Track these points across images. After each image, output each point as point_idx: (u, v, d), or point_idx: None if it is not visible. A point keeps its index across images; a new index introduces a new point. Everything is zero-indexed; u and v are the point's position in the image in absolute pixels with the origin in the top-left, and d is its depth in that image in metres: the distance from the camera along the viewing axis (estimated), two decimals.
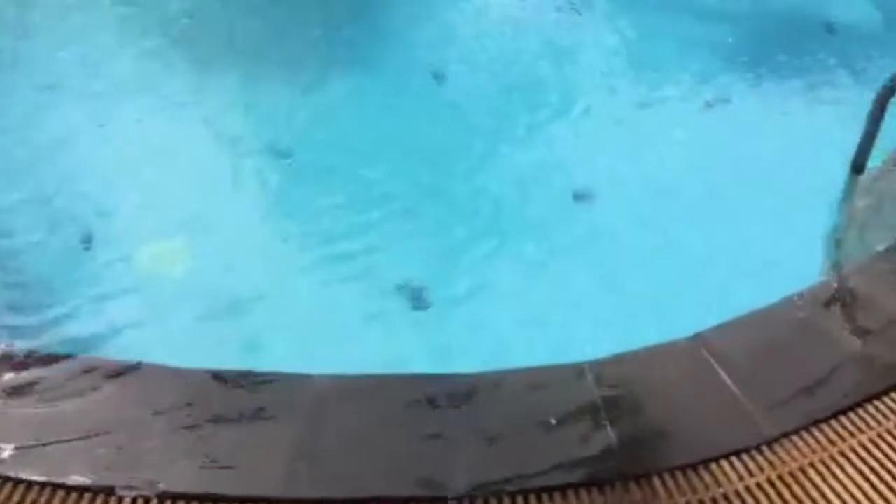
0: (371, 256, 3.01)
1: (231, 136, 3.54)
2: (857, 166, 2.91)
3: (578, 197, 3.31)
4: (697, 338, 2.28)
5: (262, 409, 2.12)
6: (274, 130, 3.60)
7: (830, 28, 4.43)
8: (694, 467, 1.97)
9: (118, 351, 2.45)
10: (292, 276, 2.94)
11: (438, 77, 3.96)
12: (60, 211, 3.13)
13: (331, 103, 3.78)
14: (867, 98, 2.96)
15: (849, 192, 2.94)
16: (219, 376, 2.22)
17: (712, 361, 2.21)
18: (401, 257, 3.03)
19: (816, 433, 2.05)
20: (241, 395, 2.18)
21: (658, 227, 3.05)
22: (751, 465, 2.00)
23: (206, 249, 2.98)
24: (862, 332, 2.31)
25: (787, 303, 2.40)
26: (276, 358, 2.50)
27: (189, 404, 2.12)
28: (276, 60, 4.05)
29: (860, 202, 2.90)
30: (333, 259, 3.00)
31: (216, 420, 2.09)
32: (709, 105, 3.81)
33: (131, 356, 2.33)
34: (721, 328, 2.32)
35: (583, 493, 1.93)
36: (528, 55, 4.27)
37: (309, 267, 2.97)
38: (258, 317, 2.74)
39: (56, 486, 1.92)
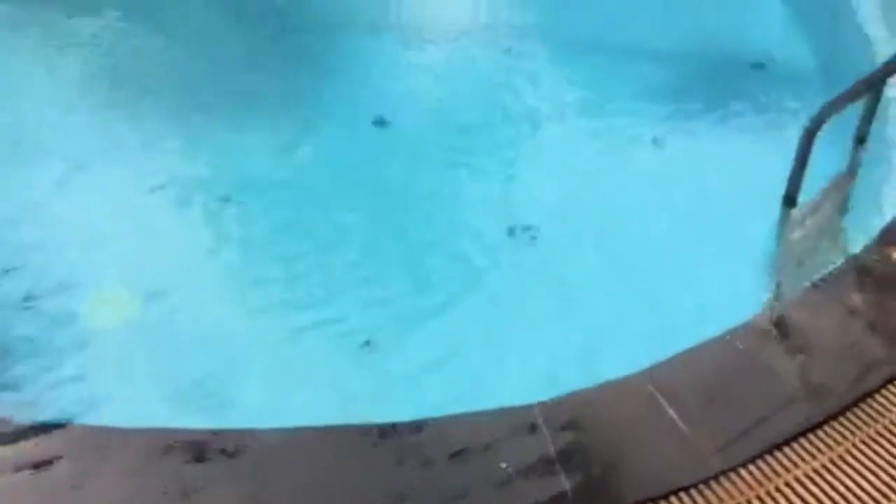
0: (319, 305, 2.99)
1: (179, 187, 3.50)
2: (789, 200, 2.99)
3: (521, 234, 3.34)
4: (644, 374, 2.30)
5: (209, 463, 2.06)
6: (220, 179, 3.57)
7: (759, 65, 4.59)
8: None
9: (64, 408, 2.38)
10: (240, 325, 2.90)
11: (380, 123, 3.98)
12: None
13: (274, 150, 3.77)
14: (796, 132, 3.07)
15: (783, 225, 3.01)
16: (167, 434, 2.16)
17: (659, 398, 2.23)
18: (347, 302, 3.02)
19: (762, 465, 2.08)
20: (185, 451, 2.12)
21: (600, 264, 3.09)
22: (699, 500, 2.01)
23: (155, 303, 2.93)
24: (802, 363, 2.35)
25: (729, 336, 2.44)
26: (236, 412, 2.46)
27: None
28: (222, 110, 4.03)
29: (794, 235, 2.98)
30: (284, 308, 2.97)
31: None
32: (653, 143, 3.90)
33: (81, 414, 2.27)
34: (666, 364, 2.35)
35: None
36: (470, 98, 4.33)
37: (253, 315, 2.94)
38: (214, 370, 2.70)
39: None
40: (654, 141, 3.91)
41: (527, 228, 3.36)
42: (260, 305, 2.98)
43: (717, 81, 4.49)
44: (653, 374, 2.31)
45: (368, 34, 4.80)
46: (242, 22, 4.79)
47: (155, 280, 3.00)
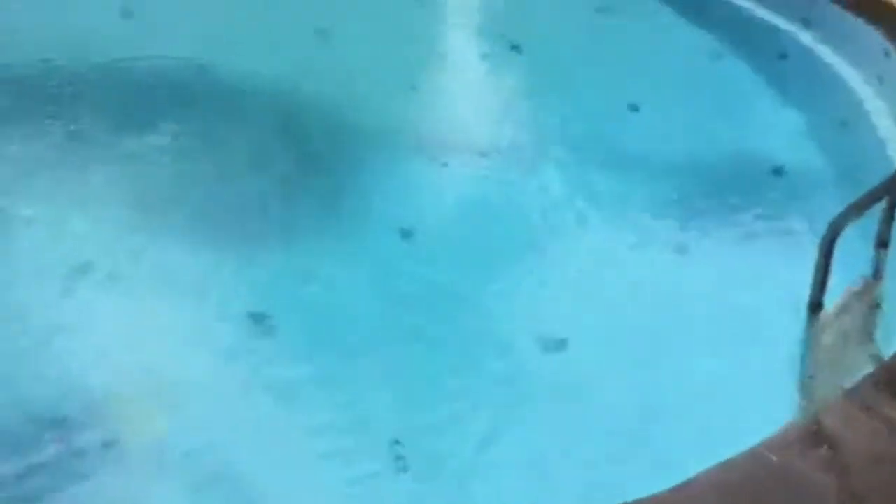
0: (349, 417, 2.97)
1: (202, 301, 3.56)
2: (814, 306, 2.96)
3: (549, 347, 3.33)
4: (674, 490, 2.23)
5: None
6: (244, 295, 3.62)
7: (778, 171, 4.64)
8: None
9: None
10: (269, 442, 2.88)
11: (406, 235, 4.05)
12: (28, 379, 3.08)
13: (298, 263, 3.84)
14: (817, 238, 3.07)
15: (809, 332, 2.98)
16: None
17: None
18: (375, 416, 3.00)
19: None
20: None
21: (626, 376, 3.06)
22: None
23: (179, 417, 2.92)
24: (836, 475, 2.28)
25: (761, 448, 2.37)
26: None
27: None
28: (243, 224, 4.14)
29: (821, 342, 2.94)
30: (310, 424, 2.95)
31: None
32: (676, 251, 3.92)
33: None
34: (697, 479, 2.28)
35: None
36: (494, 210, 4.40)
37: (285, 431, 2.92)
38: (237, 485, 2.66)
39: None
40: (678, 249, 3.92)
41: (552, 342, 3.35)
42: (287, 419, 2.97)
43: (738, 187, 4.55)
44: (684, 490, 2.24)
45: (395, 150, 4.93)
46: (269, 143, 4.95)
47: (181, 401, 3.02)
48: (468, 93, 5.92)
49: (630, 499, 2.10)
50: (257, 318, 3.44)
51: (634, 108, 5.35)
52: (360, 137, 5.04)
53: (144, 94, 5.47)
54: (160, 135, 4.95)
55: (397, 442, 2.85)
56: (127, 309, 3.52)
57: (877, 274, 3.13)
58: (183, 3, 7.19)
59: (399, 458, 2.83)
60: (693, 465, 2.33)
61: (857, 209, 2.90)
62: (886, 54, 5.21)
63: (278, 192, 4.44)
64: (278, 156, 4.79)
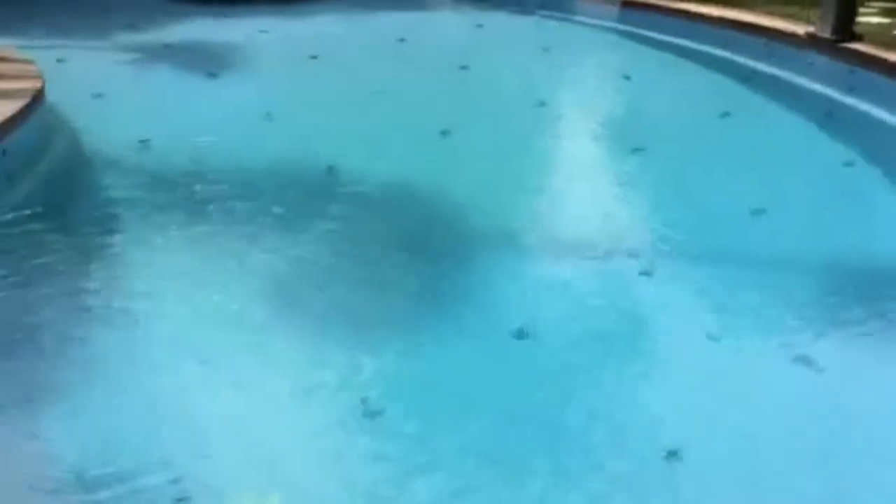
0: None
1: (324, 393, 3.66)
2: None
3: (669, 455, 3.25)
4: None
5: None
6: (361, 390, 3.70)
7: None
8: None
9: None
10: None
11: (519, 336, 4.05)
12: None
13: (410, 362, 3.90)
14: None
15: None
16: None
17: None
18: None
19: None
20: None
21: (748, 495, 2.91)
22: None
23: None
24: None
25: None
26: None
27: None
28: (362, 321, 4.25)
29: None
30: None
31: None
32: (801, 362, 3.77)
33: None
34: None
35: None
36: (611, 315, 4.36)
37: None
38: None
39: None
40: (804, 360, 3.77)
41: (671, 451, 3.25)
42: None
43: (870, 298, 4.35)
44: None
45: (516, 252, 5.00)
46: (392, 241, 5.12)
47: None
48: (589, 195, 5.98)
49: None
50: (372, 414, 3.49)
51: (758, 212, 5.26)
52: (481, 237, 5.15)
53: (277, 190, 5.82)
54: (289, 232, 5.22)
55: None
56: (246, 398, 3.65)
57: None
58: (316, 107, 7.69)
59: None
60: None
61: None
62: None
63: (400, 290, 4.56)
64: (401, 254, 4.94)
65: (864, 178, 5.94)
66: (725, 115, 7.17)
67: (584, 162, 6.59)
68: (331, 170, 6.00)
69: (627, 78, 8.58)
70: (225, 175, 5.96)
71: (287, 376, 3.78)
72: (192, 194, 5.65)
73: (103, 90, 7.67)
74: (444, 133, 6.75)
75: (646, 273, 4.58)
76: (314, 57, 9.14)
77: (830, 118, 7.32)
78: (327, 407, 3.60)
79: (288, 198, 5.65)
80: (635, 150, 6.49)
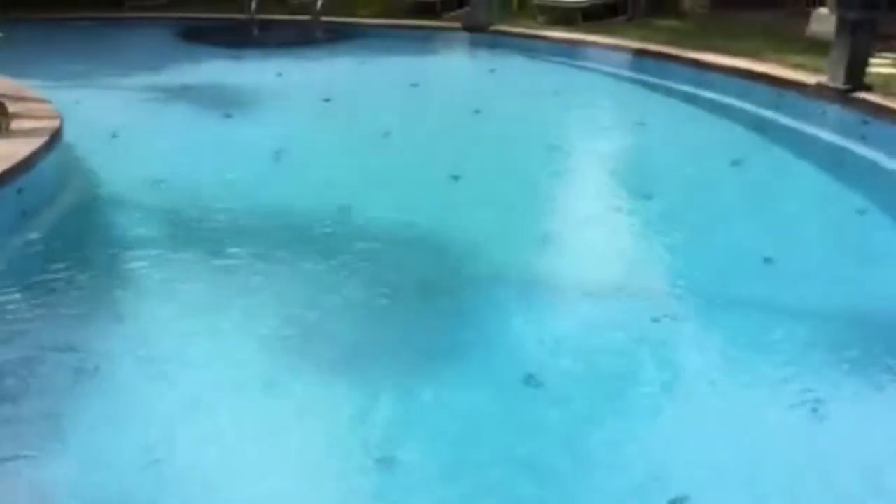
0: None
1: (337, 441, 3.64)
2: None
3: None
4: None
5: None
6: (366, 435, 3.67)
7: None
8: None
9: None
10: None
11: (529, 381, 4.02)
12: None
13: (420, 407, 3.87)
14: None
15: None
16: None
17: None
18: None
19: None
20: None
21: None
22: None
23: None
24: None
25: None
26: None
27: None
28: (369, 363, 4.23)
29: None
30: None
31: None
32: (813, 410, 3.72)
33: None
34: None
35: None
36: (621, 360, 4.32)
37: None
38: None
39: None
40: (816, 409, 3.72)
41: (678, 499, 3.20)
42: None
43: (882, 348, 4.30)
44: None
45: (525, 295, 4.99)
46: (401, 283, 5.12)
47: None
48: (600, 242, 5.97)
49: None
50: (383, 462, 3.46)
51: (769, 260, 5.24)
52: (491, 282, 5.14)
53: (289, 231, 5.85)
54: (299, 273, 5.24)
55: None
56: (252, 435, 3.63)
57: None
58: (329, 149, 7.76)
59: None
60: None
61: None
62: None
63: (408, 335, 4.55)
64: (410, 298, 4.93)
65: (876, 227, 5.92)
66: (737, 163, 7.18)
67: (595, 208, 6.59)
68: (342, 211, 6.03)
69: (641, 125, 8.63)
70: (237, 215, 6.00)
71: (294, 422, 3.76)
72: (203, 234, 5.68)
73: (119, 130, 7.77)
74: (454, 178, 6.78)
75: (656, 320, 4.56)
76: (327, 100, 9.25)
77: (842, 167, 7.33)
78: (335, 452, 3.58)
79: (299, 239, 5.68)
80: (646, 197, 6.50)
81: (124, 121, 8.27)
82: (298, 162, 7.22)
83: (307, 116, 9.04)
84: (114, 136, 7.62)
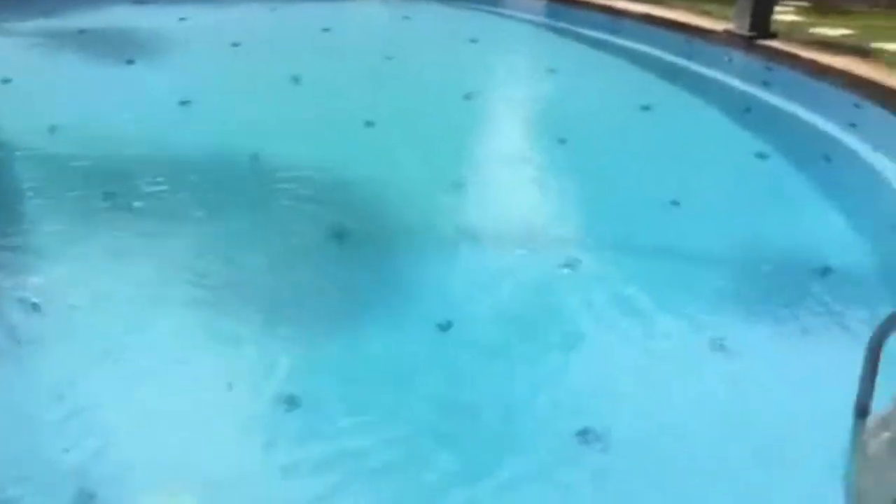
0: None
1: (244, 388, 3.58)
2: (861, 411, 2.86)
3: (583, 442, 3.27)
4: None
5: None
6: (279, 381, 3.63)
7: (825, 271, 4.57)
8: None
9: None
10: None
11: (444, 325, 4.04)
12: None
13: (333, 355, 3.85)
14: (865, 341, 2.99)
15: (856, 438, 2.87)
16: None
17: None
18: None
19: None
20: None
21: (666, 482, 2.96)
22: None
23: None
24: None
25: None
26: None
27: None
28: (281, 312, 4.16)
29: (869, 448, 2.82)
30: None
31: None
32: (719, 350, 3.85)
33: None
34: None
35: None
36: (531, 305, 4.38)
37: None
38: None
39: None
40: (720, 348, 3.85)
41: (588, 436, 3.28)
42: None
43: (783, 287, 4.48)
44: None
45: (437, 243, 4.99)
46: (313, 231, 5.05)
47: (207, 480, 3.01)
48: (513, 187, 6.01)
49: None
50: (291, 404, 3.44)
51: (676, 203, 5.36)
52: (405, 229, 5.12)
53: (196, 179, 5.67)
54: (205, 220, 5.09)
55: None
56: (159, 391, 3.55)
57: None
58: (238, 95, 7.53)
59: None
60: None
61: None
62: None
63: (322, 282, 4.50)
64: (324, 245, 4.87)
65: (777, 171, 6.12)
66: (646, 108, 7.29)
67: (508, 154, 6.61)
68: (253, 159, 5.88)
69: (552, 71, 8.66)
70: (140, 164, 5.77)
71: (206, 369, 3.69)
72: (103, 183, 5.45)
73: (11, 76, 7.35)
74: (368, 124, 6.68)
75: (568, 265, 4.62)
76: (235, 45, 8.94)
77: (748, 113, 7.53)
78: (249, 398, 3.53)
79: (207, 189, 5.51)
80: (559, 142, 6.55)
81: (16, 66, 7.81)
82: (206, 109, 6.97)
83: (215, 62, 8.72)
84: (5, 81, 7.20)
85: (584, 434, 3.26)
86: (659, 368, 3.77)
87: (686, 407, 3.47)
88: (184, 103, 6.96)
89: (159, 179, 5.56)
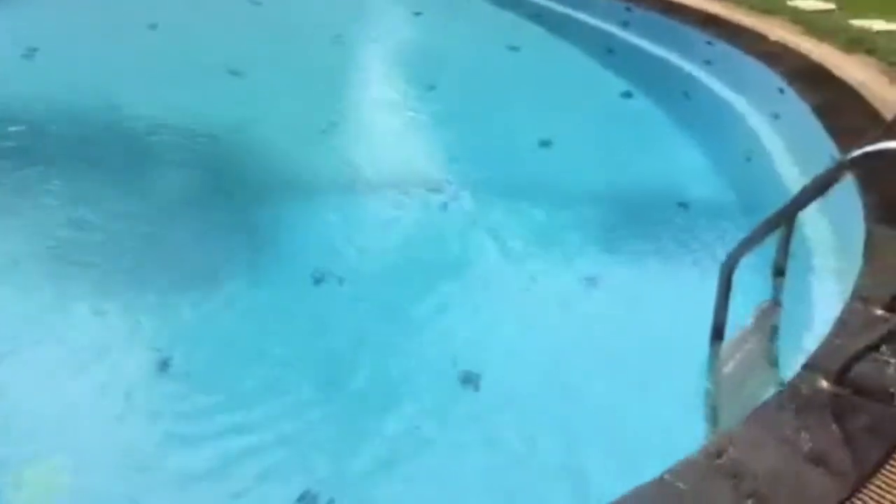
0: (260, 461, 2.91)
1: (108, 345, 3.46)
2: (717, 333, 3.05)
3: (464, 381, 3.34)
4: None
5: None
6: (158, 339, 3.52)
7: (684, 204, 4.79)
8: None
9: None
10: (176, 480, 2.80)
11: (322, 275, 4.01)
12: None
13: (207, 311, 3.75)
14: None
15: (713, 359, 3.06)
16: None
17: None
18: (290, 459, 2.94)
19: None
20: None
21: (537, 406, 3.08)
22: None
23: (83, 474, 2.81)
24: (743, 498, 2.32)
25: (668, 475, 2.40)
26: None
27: None
28: (152, 267, 4.03)
29: (725, 368, 3.02)
30: (217, 457, 2.90)
31: None
32: (587, 282, 3.99)
33: None
34: None
35: None
36: (408, 247, 4.41)
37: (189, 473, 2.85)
38: None
39: None
40: (588, 278, 4.00)
41: (469, 373, 3.35)
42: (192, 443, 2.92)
43: (645, 221, 4.67)
44: None
45: (309, 190, 4.90)
46: (179, 184, 4.87)
47: (79, 450, 2.91)
48: (384, 130, 5.96)
49: None
50: (163, 365, 3.35)
51: (546, 143, 5.47)
52: (276, 180, 5.00)
53: (49, 135, 5.33)
54: (61, 176, 4.81)
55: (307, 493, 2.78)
56: (28, 352, 3.38)
57: (775, 301, 3.25)
58: (89, 44, 7.08)
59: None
60: (603, 494, 2.35)
61: (753, 240, 3.00)
62: (781, 92, 5.48)
63: (190, 239, 4.35)
64: (190, 200, 4.70)
65: (639, 109, 6.33)
66: (514, 49, 7.35)
67: (380, 100, 6.55)
68: (110, 111, 5.57)
69: (418, 14, 8.57)
70: None
71: (76, 330, 3.53)
72: None
73: None
74: (233, 73, 6.45)
75: (444, 206, 4.66)
76: None
77: (611, 53, 7.71)
78: (121, 359, 3.41)
79: (60, 143, 5.19)
80: (429, 87, 6.53)
81: None
82: (55, 60, 6.53)
83: (61, 9, 8.15)
84: None
85: (461, 373, 3.33)
86: (532, 303, 3.88)
87: (556, 340, 3.58)
88: (29, 53, 6.49)
89: (4, 134, 5.19)
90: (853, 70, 5.71)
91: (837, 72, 5.67)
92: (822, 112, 4.88)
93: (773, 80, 5.58)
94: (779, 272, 3.27)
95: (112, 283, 3.90)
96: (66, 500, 2.78)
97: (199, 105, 5.91)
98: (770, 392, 2.74)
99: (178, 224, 4.44)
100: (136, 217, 4.44)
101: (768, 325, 3.19)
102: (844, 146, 3.83)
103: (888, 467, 2.38)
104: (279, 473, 2.90)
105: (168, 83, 6.28)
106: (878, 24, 7.01)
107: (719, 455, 2.49)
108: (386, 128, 6.04)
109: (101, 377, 3.30)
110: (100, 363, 3.37)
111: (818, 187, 2.92)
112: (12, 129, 5.28)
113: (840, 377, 2.59)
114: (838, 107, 4.99)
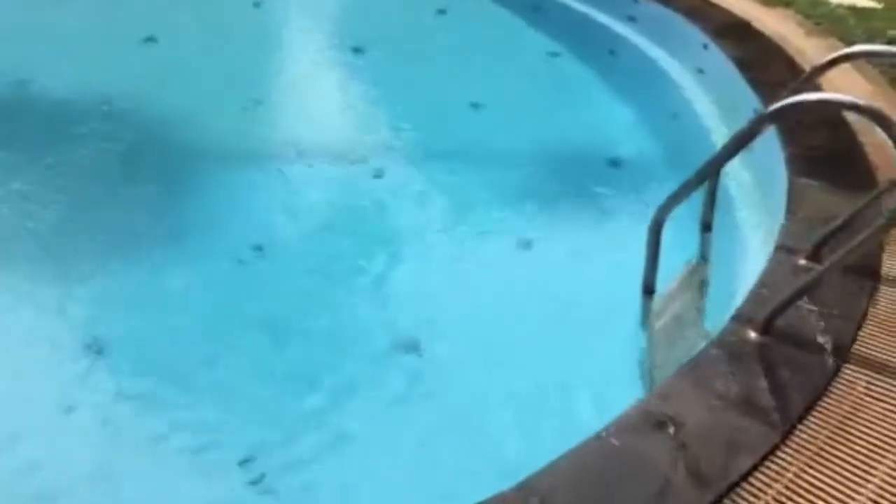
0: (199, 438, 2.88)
1: (34, 324, 3.36)
2: (647, 289, 3.08)
3: (403, 345, 3.33)
4: (522, 485, 2.25)
5: None
6: (89, 318, 3.42)
7: (615, 162, 4.83)
8: None
9: None
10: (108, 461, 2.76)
11: (257, 249, 3.92)
12: None
13: (141, 286, 3.66)
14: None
15: (644, 314, 3.09)
16: None
17: None
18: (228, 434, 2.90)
19: None
20: None
21: (475, 368, 3.09)
22: None
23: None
24: (677, 451, 2.36)
25: (604, 433, 2.43)
26: None
27: None
28: (77, 243, 3.92)
29: (656, 323, 3.06)
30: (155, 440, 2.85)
31: None
32: (521, 244, 3.99)
33: None
34: (543, 470, 2.30)
35: None
36: (340, 214, 4.35)
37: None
38: None
39: None
40: (521, 239, 4.01)
41: (407, 339, 3.34)
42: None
43: (577, 179, 4.70)
44: (531, 483, 2.26)
45: (237, 163, 4.78)
46: (100, 158, 4.69)
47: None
48: (310, 97, 5.84)
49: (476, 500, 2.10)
50: (92, 346, 3.25)
51: (476, 105, 5.44)
52: (199, 152, 4.86)
53: None
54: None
55: (247, 460, 2.76)
56: None
57: (703, 256, 3.30)
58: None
59: (251, 474, 2.74)
60: (539, 452, 2.37)
61: (679, 196, 3.03)
62: (705, 47, 5.52)
63: (113, 210, 4.22)
64: (112, 176, 4.55)
65: (567, 68, 6.32)
66: (442, 12, 7.25)
67: (307, 66, 6.40)
68: (19, 86, 5.32)
69: None
70: None
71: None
72: None
73: None
74: (148, 40, 6.21)
75: (378, 175, 4.60)
76: None
77: (538, 12, 7.66)
78: (53, 345, 3.29)
79: None
80: (355, 51, 6.40)
81: None
82: None
83: None
84: None
85: (402, 341, 3.31)
86: (467, 267, 3.88)
87: (493, 302, 3.59)
88: None
89: None
90: (774, 23, 5.78)
91: (758, 24, 5.74)
92: (744, 66, 4.94)
93: (697, 35, 5.61)
94: (706, 227, 3.32)
95: (31, 263, 3.75)
96: None
97: (113, 76, 5.68)
98: (701, 345, 2.78)
99: (94, 201, 4.29)
100: (53, 197, 4.28)
101: (697, 280, 3.25)
102: (768, 99, 3.88)
103: (815, 413, 2.45)
104: (219, 444, 2.87)
105: (78, 53, 6.02)
106: None
107: (653, 410, 2.53)
108: (312, 96, 5.92)
109: (27, 359, 3.21)
110: (26, 346, 3.27)
111: (741, 141, 2.96)
112: None
113: (766, 327, 2.65)
114: (760, 61, 5.06)
